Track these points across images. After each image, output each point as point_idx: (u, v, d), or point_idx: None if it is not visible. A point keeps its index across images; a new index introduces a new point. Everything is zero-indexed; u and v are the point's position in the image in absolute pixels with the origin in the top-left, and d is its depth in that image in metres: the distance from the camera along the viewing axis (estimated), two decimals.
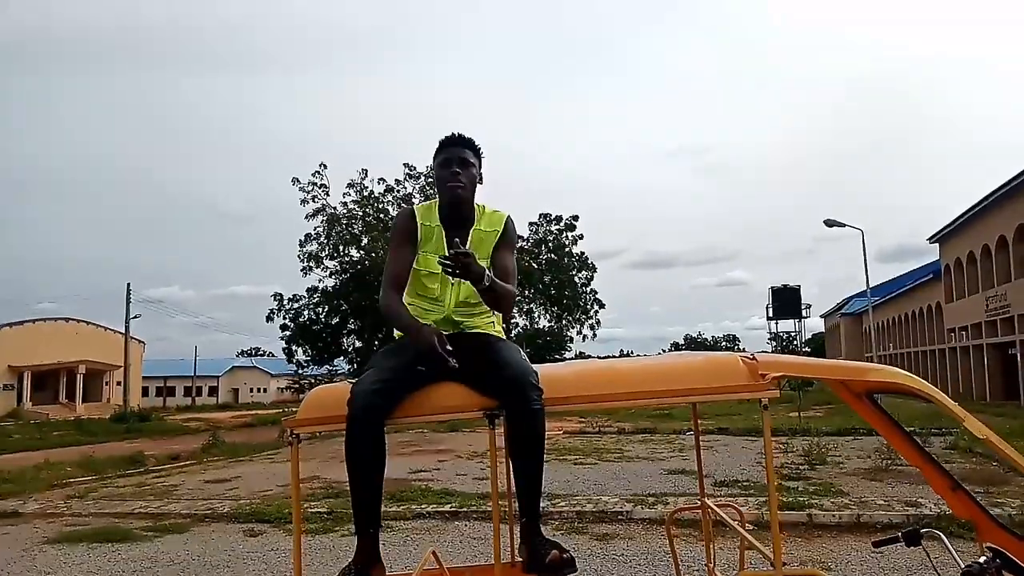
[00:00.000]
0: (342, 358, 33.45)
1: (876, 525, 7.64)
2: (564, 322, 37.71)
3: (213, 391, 79.38)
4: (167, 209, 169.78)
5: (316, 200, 31.34)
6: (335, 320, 32.57)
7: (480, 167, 2.74)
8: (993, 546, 2.47)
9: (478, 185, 2.74)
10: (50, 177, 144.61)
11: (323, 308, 32.60)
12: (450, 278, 2.57)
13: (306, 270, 31.90)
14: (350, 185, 31.81)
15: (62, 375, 52.19)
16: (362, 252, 30.96)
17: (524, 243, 34.78)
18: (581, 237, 36.05)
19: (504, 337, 2.74)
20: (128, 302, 45.60)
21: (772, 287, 28.78)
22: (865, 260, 27.75)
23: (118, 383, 51.53)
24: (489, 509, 2.43)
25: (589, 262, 36.98)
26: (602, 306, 38.05)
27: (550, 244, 35.59)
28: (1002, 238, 29.64)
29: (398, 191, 32.07)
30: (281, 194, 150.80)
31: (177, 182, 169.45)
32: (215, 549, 7.70)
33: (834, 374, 2.89)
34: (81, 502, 10.77)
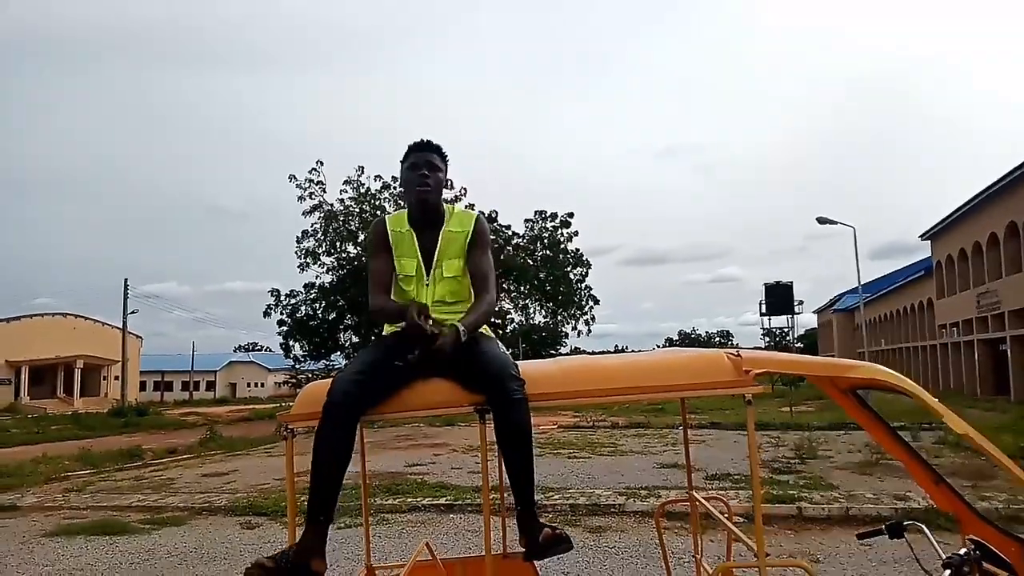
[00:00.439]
0: (339, 353, 33.44)
1: (865, 518, 7.72)
2: (559, 318, 37.81)
3: (211, 386, 79.24)
4: (164, 205, 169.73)
5: (313, 197, 31.30)
6: (332, 315, 32.56)
7: (446, 172, 2.82)
8: (975, 538, 2.54)
9: (444, 189, 2.83)
10: (47, 174, 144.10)
11: (320, 304, 32.59)
12: (424, 277, 2.68)
13: (303, 266, 31.89)
14: (347, 182, 31.76)
15: (60, 370, 52.16)
16: (359, 248, 30.91)
17: (520, 239, 34.80)
18: (576, 234, 36.07)
19: (490, 333, 2.79)
20: (126, 297, 45.57)
21: (765, 283, 28.88)
22: (856, 257, 27.94)
23: (116, 378, 51.43)
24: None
25: (584, 258, 37.02)
26: (597, 302, 38.12)
27: (545, 241, 35.59)
28: (993, 235, 29.79)
29: (394, 188, 32.01)
30: (278, 191, 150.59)
31: (174, 179, 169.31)
32: (212, 541, 7.77)
33: (818, 370, 2.97)
34: (79, 495, 10.83)
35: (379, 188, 32.03)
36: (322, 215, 31.47)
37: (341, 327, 32.90)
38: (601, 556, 6.71)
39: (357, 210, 31.72)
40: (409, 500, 9.26)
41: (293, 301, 32.89)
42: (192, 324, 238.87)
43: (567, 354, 31.02)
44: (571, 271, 36.69)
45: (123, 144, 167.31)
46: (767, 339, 38.83)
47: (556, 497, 9.03)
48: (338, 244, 31.78)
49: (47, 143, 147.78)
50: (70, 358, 51.01)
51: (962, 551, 2.43)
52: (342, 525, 7.93)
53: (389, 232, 2.78)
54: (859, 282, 29.84)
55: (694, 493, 3.57)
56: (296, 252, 31.82)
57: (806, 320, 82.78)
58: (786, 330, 36.69)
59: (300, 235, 31.84)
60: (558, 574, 6.04)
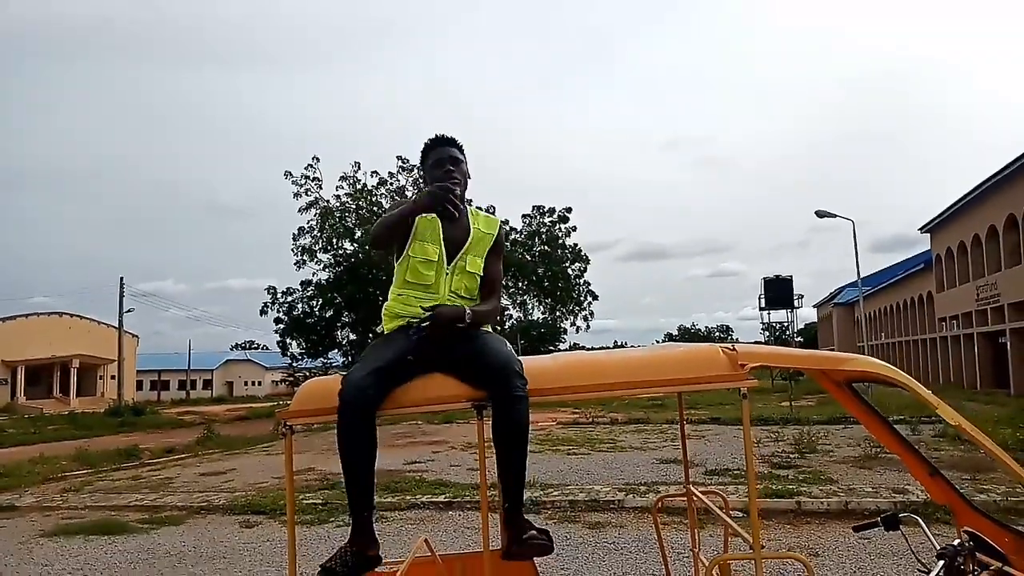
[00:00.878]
0: (336, 351, 33.48)
1: (864, 512, 7.74)
2: (558, 314, 37.87)
3: (208, 384, 79.24)
4: (160, 203, 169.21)
5: (309, 193, 31.30)
6: (329, 313, 32.55)
7: (467, 163, 2.85)
8: (970, 529, 2.55)
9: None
10: (42, 172, 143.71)
11: (317, 301, 32.58)
12: (446, 265, 2.67)
13: (300, 263, 31.90)
14: (343, 178, 31.75)
15: (56, 369, 52.08)
16: (356, 245, 30.89)
17: (518, 235, 34.78)
18: (574, 229, 36.16)
19: (490, 329, 2.80)
20: (121, 296, 45.47)
21: (764, 278, 28.84)
22: (856, 250, 27.89)
23: (112, 377, 51.37)
24: None
25: (582, 254, 37.06)
26: (595, 298, 38.23)
27: (543, 236, 35.65)
28: (992, 228, 29.81)
29: (391, 183, 32.00)
30: (273, 188, 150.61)
31: (169, 176, 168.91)
32: (211, 540, 7.78)
33: (812, 364, 2.98)
34: (77, 495, 10.83)
35: (375, 184, 32.01)
36: (318, 212, 31.44)
37: (338, 324, 32.91)
38: (600, 552, 6.71)
39: (353, 206, 31.69)
40: (408, 498, 9.26)
41: (290, 299, 32.91)
42: (189, 322, 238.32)
43: (566, 350, 31.08)
44: (569, 267, 36.74)
45: (119, 142, 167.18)
46: (767, 334, 38.85)
47: (555, 494, 9.03)
48: (335, 241, 31.75)
49: (42, 141, 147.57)
50: (66, 358, 50.91)
51: (956, 542, 2.45)
52: (339, 524, 7.94)
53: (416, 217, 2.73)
54: (858, 276, 29.87)
55: (691, 487, 3.57)
56: (293, 249, 31.84)
57: (806, 314, 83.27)
58: (786, 324, 36.58)
59: (296, 232, 31.86)
60: (557, 571, 6.05)
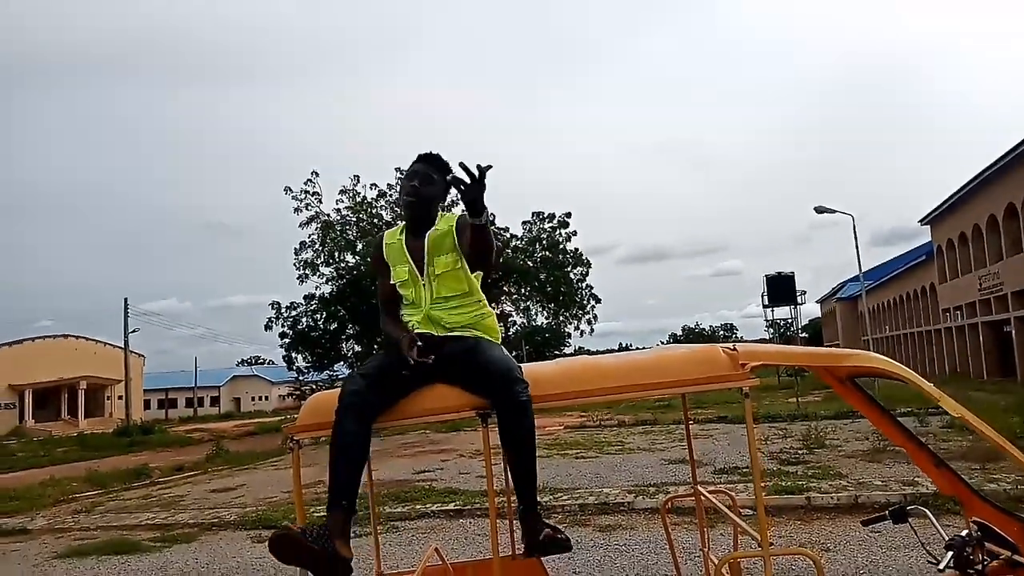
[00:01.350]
0: (342, 363, 33.49)
1: (874, 505, 7.71)
2: (561, 318, 37.80)
3: (215, 401, 79.27)
4: (162, 223, 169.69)
5: (309, 208, 31.37)
6: (333, 326, 32.59)
7: (445, 182, 2.83)
8: (978, 520, 2.57)
9: (445, 196, 2.95)
10: (43, 194, 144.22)
11: (321, 314, 32.62)
12: (419, 278, 2.75)
13: (302, 278, 31.93)
14: (343, 191, 31.82)
15: (63, 392, 52.17)
16: (357, 257, 30.94)
17: (519, 242, 34.78)
18: (575, 233, 36.08)
19: (497, 325, 2.86)
20: (126, 316, 45.59)
21: (766, 275, 28.72)
22: (856, 245, 27.80)
23: (119, 397, 51.49)
24: None
25: (584, 258, 37.02)
26: (598, 301, 38.12)
27: (544, 242, 35.59)
28: (992, 217, 29.79)
29: (391, 195, 32.06)
30: (274, 204, 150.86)
31: (170, 196, 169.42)
32: (224, 557, 7.79)
33: (813, 361, 3.00)
34: (88, 516, 10.85)
35: (375, 196, 32.08)
36: (319, 226, 31.53)
37: (343, 337, 32.95)
38: (612, 554, 6.72)
39: (354, 219, 31.78)
40: (418, 507, 9.26)
41: (294, 313, 32.92)
42: (194, 340, 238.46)
43: (571, 354, 31.06)
44: (571, 271, 36.67)
45: (118, 161, 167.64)
46: (771, 331, 38.74)
47: (565, 498, 9.04)
48: (336, 254, 31.81)
49: (42, 165, 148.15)
50: (73, 379, 51.00)
51: (964, 532, 2.46)
52: (352, 535, 7.95)
53: (384, 246, 2.90)
54: (860, 270, 29.80)
55: (699, 487, 3.60)
56: (295, 264, 31.91)
57: (810, 310, 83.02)
58: (790, 321, 36.49)
59: (298, 246, 31.93)
60: (568, 574, 6.06)
